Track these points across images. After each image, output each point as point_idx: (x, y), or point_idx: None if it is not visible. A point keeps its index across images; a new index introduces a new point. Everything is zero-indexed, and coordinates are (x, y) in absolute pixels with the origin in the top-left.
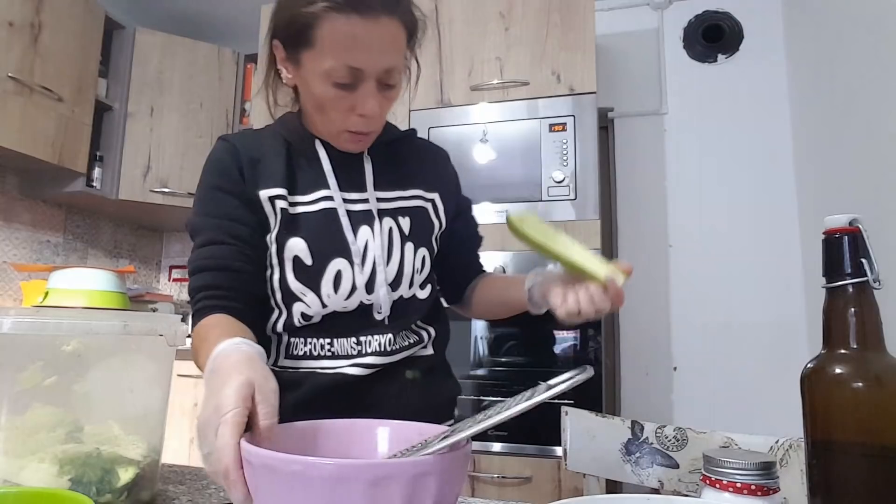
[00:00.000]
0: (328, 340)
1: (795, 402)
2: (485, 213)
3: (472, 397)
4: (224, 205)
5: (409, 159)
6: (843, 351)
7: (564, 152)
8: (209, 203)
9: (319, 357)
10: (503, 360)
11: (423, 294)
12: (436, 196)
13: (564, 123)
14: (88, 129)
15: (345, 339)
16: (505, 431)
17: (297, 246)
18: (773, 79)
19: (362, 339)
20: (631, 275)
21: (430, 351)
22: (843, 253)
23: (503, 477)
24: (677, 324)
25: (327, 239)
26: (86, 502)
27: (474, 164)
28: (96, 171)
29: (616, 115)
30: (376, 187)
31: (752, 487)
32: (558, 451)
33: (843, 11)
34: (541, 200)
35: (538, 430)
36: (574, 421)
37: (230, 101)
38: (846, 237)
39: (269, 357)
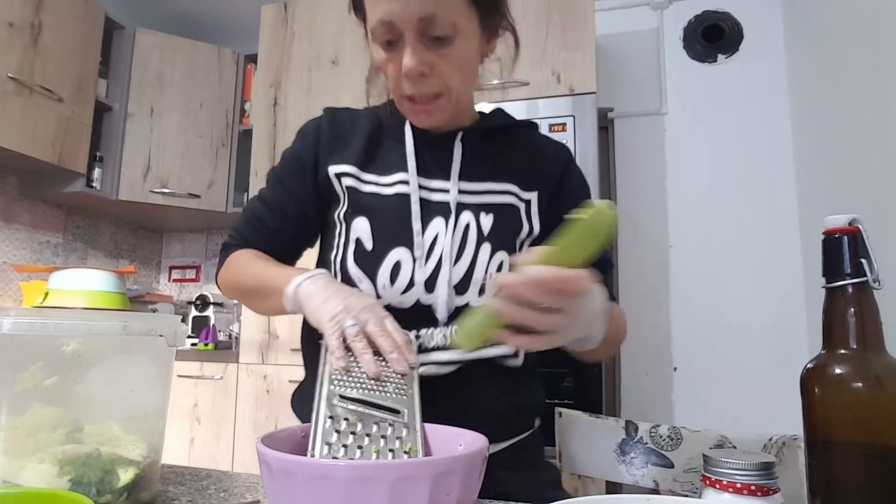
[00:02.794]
0: None
1: (795, 402)
2: None
3: None
4: (291, 176)
5: (511, 150)
6: (842, 351)
7: None
8: (282, 168)
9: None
10: None
11: None
12: (533, 196)
13: (564, 123)
14: (88, 129)
15: None
16: None
17: (360, 227)
18: (773, 79)
19: (423, 331)
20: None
21: (518, 361)
22: (842, 253)
23: None
24: (677, 324)
25: (393, 225)
26: (86, 503)
27: None
28: (96, 172)
29: (616, 115)
30: (463, 177)
31: (752, 488)
32: None
33: (843, 11)
34: None
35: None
36: (568, 422)
37: (230, 101)
38: (846, 237)
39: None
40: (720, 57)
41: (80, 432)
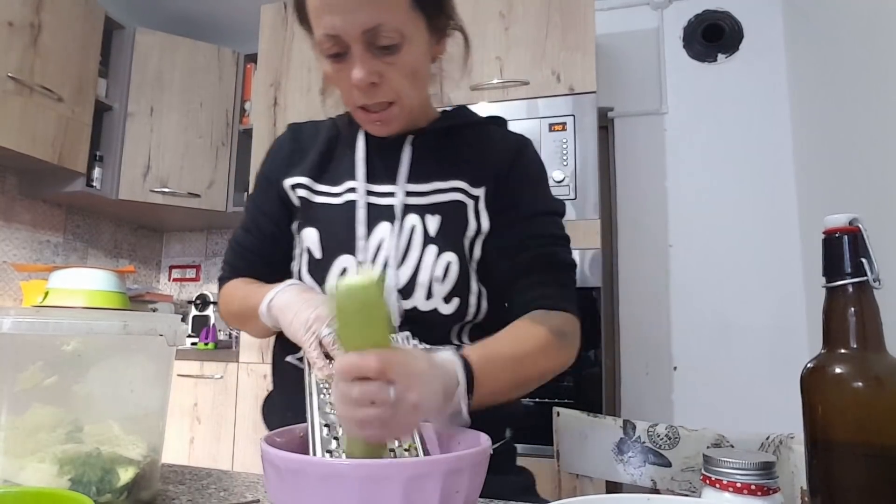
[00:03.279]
0: None
1: (796, 402)
2: None
3: None
4: (262, 195)
5: (463, 147)
6: (843, 351)
7: (564, 152)
8: (255, 189)
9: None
10: None
11: (447, 309)
12: (481, 192)
13: (564, 123)
14: (88, 129)
15: None
16: None
17: (309, 237)
18: (773, 79)
19: None
20: None
21: None
22: (842, 252)
23: None
24: (677, 324)
25: (340, 233)
26: (86, 502)
27: None
28: (96, 171)
29: (616, 115)
30: (411, 178)
31: (752, 487)
32: None
33: (843, 11)
34: None
35: (538, 429)
36: (566, 422)
37: (230, 101)
38: (846, 237)
39: (289, 352)
40: (720, 56)
41: (80, 432)
